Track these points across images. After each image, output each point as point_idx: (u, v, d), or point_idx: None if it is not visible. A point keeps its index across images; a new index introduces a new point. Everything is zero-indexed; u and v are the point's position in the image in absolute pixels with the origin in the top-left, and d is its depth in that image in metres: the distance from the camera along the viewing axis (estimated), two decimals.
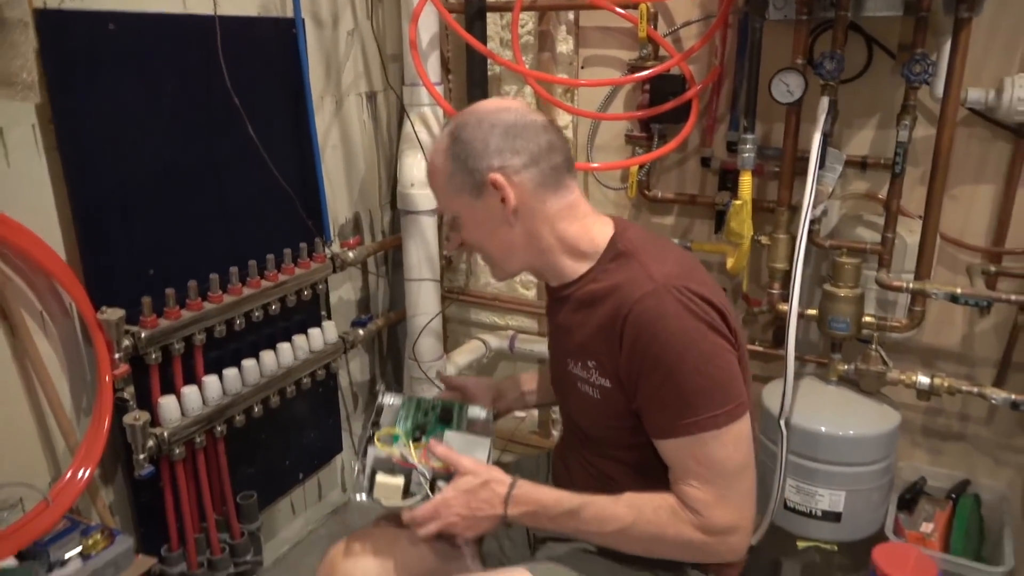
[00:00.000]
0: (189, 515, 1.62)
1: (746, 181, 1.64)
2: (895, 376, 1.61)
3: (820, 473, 1.58)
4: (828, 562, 1.81)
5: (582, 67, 1.98)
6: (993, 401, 1.53)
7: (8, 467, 1.34)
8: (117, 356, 1.40)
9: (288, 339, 1.78)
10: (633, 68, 1.81)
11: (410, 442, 1.11)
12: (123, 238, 1.46)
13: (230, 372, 1.62)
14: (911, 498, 1.73)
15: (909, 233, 1.61)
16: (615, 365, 1.01)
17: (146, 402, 1.49)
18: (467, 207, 1.06)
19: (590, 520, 1.02)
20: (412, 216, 1.95)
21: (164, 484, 1.56)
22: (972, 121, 1.60)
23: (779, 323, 1.77)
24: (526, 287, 2.23)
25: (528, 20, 1.97)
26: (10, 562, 1.23)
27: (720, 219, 1.83)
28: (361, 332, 2.04)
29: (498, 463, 1.13)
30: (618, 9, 1.77)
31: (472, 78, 1.88)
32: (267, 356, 1.71)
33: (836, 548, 1.64)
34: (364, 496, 1.08)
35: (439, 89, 1.87)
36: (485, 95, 1.91)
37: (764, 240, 1.71)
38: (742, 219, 1.64)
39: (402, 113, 1.99)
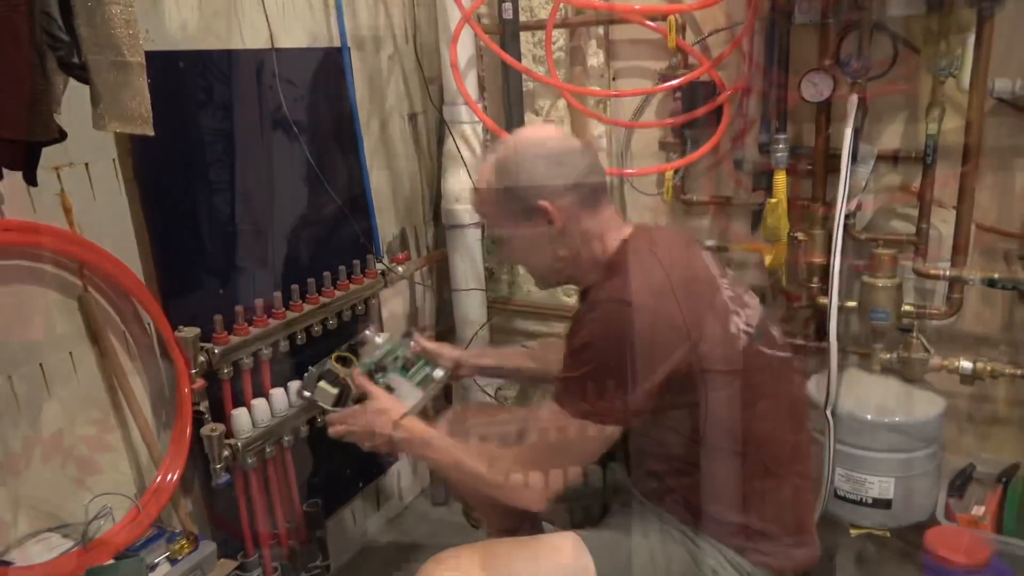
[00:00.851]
0: (262, 522, 1.70)
1: (780, 179, 1.70)
2: (938, 362, 1.64)
3: (868, 460, 1.61)
4: (882, 548, 1.84)
5: (614, 79, 2.05)
6: None
7: (99, 479, 1.43)
8: (193, 371, 1.49)
9: None
10: (664, 77, 1.88)
11: (354, 369, 1.40)
12: (196, 260, 1.56)
13: (294, 385, 1.70)
14: (961, 484, 1.74)
15: (943, 223, 1.65)
16: None
17: (219, 414, 1.57)
18: (516, 230, 1.17)
19: (438, 450, 1.24)
20: (457, 230, 2.03)
21: (238, 492, 1.65)
22: (1001, 111, 1.63)
23: (820, 317, 1.81)
24: (567, 294, 2.29)
25: (559, 37, 2.05)
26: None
27: (756, 218, 1.89)
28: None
29: None
30: (648, 22, 1.84)
31: (509, 95, 1.96)
32: None
33: (889, 534, 1.67)
34: (308, 393, 1.44)
35: (478, 106, 1.96)
36: (521, 111, 2.00)
37: (800, 236, 1.76)
38: (778, 216, 1.70)
39: (442, 131, 2.08)
